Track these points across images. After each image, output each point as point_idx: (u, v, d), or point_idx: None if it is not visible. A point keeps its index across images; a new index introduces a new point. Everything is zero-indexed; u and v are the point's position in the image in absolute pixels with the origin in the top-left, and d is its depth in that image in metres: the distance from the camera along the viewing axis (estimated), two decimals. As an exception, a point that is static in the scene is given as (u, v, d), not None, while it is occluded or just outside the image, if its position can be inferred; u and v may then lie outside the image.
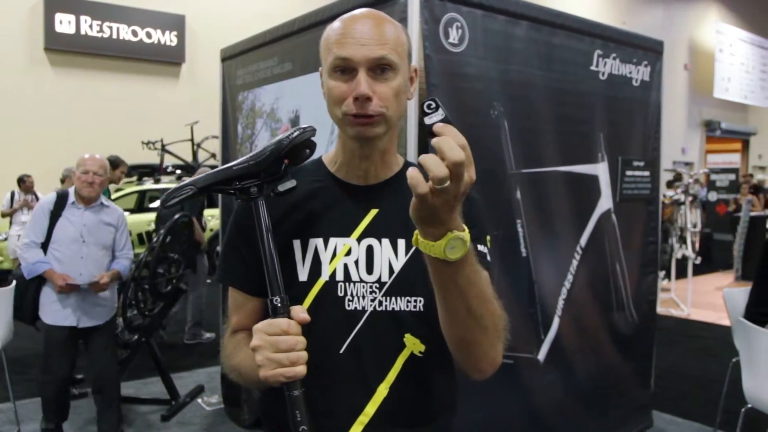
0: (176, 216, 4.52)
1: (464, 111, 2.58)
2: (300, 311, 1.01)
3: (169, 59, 12.50)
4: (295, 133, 1.05)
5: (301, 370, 0.97)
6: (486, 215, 1.22)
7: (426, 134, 0.86)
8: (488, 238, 1.18)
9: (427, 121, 0.85)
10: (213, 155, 10.19)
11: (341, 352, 1.11)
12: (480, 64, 2.62)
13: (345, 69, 1.06)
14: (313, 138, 1.09)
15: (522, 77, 2.80)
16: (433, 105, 0.85)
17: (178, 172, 10.35)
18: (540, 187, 2.91)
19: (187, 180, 1.09)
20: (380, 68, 1.05)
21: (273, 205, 1.10)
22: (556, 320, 2.98)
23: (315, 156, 1.15)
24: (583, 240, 3.13)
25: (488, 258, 1.13)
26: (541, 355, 2.91)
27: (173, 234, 4.46)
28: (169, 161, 10.64)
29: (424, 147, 2.38)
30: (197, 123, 10.42)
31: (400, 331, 1.11)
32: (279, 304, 1.00)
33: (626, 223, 3.39)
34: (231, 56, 3.93)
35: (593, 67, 3.14)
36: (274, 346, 0.96)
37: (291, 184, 1.08)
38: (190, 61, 12.64)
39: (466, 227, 0.90)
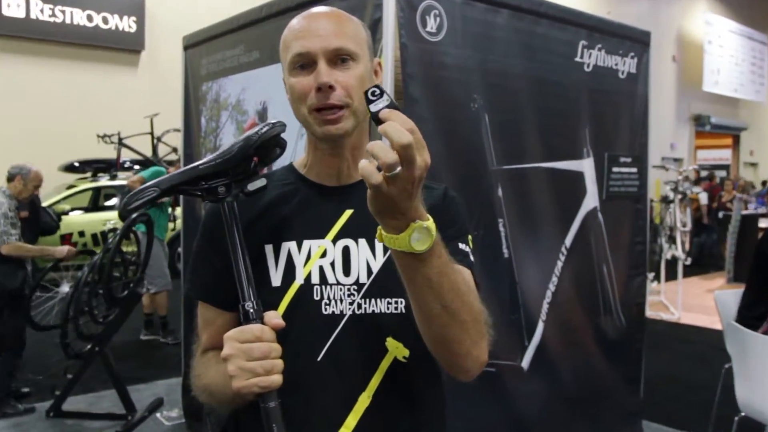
0: (134, 215, 4.46)
1: (443, 103, 2.58)
2: (274, 316, 1.02)
3: (128, 46, 12.31)
4: (264, 129, 1.06)
5: (277, 379, 0.97)
6: (466, 213, 1.24)
7: (373, 122, 0.87)
8: (469, 237, 1.19)
9: (373, 108, 0.86)
10: (174, 150, 10.07)
11: (319, 359, 1.10)
12: (459, 54, 2.62)
13: (305, 64, 1.10)
14: (283, 135, 1.10)
15: (503, 68, 2.81)
16: (377, 91, 0.87)
17: (137, 167, 10.21)
18: (523, 184, 2.92)
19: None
20: (340, 59, 1.09)
21: (242, 210, 1.10)
22: (540, 325, 2.99)
23: (285, 163, 1.18)
24: (568, 240, 3.15)
25: (471, 258, 1.15)
26: (525, 363, 2.92)
27: (132, 234, 4.39)
28: (126, 156, 10.49)
29: None
30: (157, 115, 10.28)
31: (382, 335, 1.12)
32: (251, 310, 1.01)
33: (613, 222, 3.42)
34: (194, 44, 3.88)
35: (578, 59, 3.16)
36: (247, 354, 0.96)
37: (261, 183, 1.09)
38: (150, 48, 12.46)
39: (430, 216, 0.92)
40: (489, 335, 1.06)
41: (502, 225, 2.81)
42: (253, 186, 1.08)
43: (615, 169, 3.44)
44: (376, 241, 1.12)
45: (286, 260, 1.14)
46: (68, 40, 11.70)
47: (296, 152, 2.62)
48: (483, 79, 2.72)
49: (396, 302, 1.12)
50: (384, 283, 1.12)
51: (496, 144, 2.77)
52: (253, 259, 1.09)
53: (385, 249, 1.13)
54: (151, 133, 10.51)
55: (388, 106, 0.86)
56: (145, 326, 6.30)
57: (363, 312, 1.12)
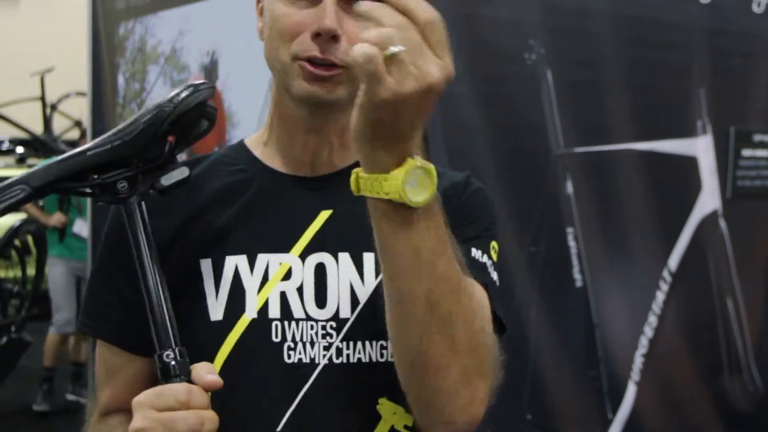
0: (16, 223, 4.52)
1: (483, 55, 2.62)
2: (206, 370, 1.03)
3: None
4: (183, 94, 1.07)
5: None
6: (494, 213, 1.25)
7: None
8: (494, 244, 1.21)
9: None
10: (77, 123, 10.12)
11: (279, 429, 1.13)
12: (508, -20, 2.67)
13: None
14: (211, 101, 1.12)
15: (575, 2, 2.85)
16: None
17: (20, 150, 10.28)
18: (604, 176, 2.96)
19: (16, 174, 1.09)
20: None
21: (164, 210, 1.13)
22: (631, 389, 3.01)
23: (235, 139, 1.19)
24: (674, 261, 3.17)
25: (492, 275, 1.16)
26: (609, 445, 2.95)
27: (13, 252, 4.45)
28: (4, 133, 10.56)
29: None
30: (50, 72, 10.35)
31: (372, 394, 1.15)
32: (172, 362, 1.01)
33: (743, 232, 3.42)
34: (107, -37, 3.93)
35: (690, -16, 3.19)
36: (168, 428, 0.96)
37: (181, 174, 1.10)
38: (38, -30, 12.57)
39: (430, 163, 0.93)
40: (495, 378, 1.07)
41: (572, 237, 2.84)
42: (168, 179, 1.09)
43: (747, 152, 3.44)
44: (364, 256, 1.16)
45: (231, 283, 1.16)
46: None
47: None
48: (544, 18, 2.75)
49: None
50: (376, 318, 1.11)
51: (564, 116, 2.80)
52: (181, 279, 1.12)
53: (378, 267, 1.10)
54: (42, 99, 10.57)
55: None
56: (72, 380, 6.38)
57: (344, 361, 1.14)
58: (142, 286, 1.06)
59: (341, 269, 1.17)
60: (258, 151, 1.24)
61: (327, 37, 1.07)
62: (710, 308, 3.34)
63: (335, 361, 1.14)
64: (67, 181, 1.06)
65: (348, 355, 1.14)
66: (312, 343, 1.14)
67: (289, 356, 1.14)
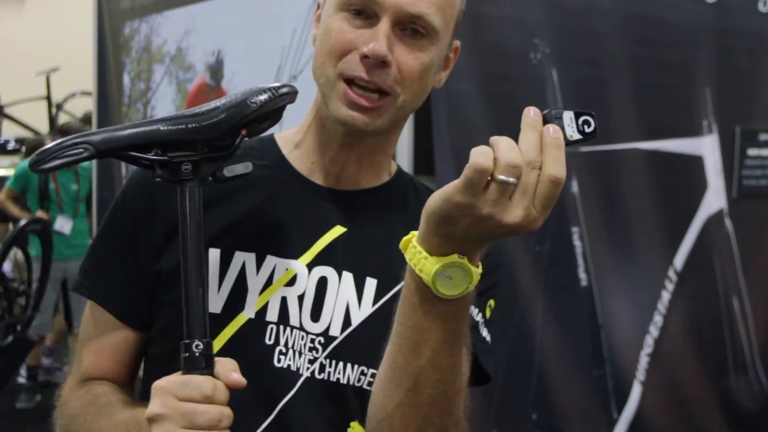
0: (23, 222, 4.52)
1: (490, 54, 2.62)
2: (231, 368, 1.02)
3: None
4: (268, 94, 1.06)
5: None
6: (500, 274, 1.27)
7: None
8: (491, 302, 1.23)
9: (576, 135, 0.95)
10: (83, 121, 10.14)
11: (261, 430, 1.15)
12: (513, -21, 2.66)
13: (362, 11, 1.11)
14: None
15: (580, 1, 2.85)
16: (592, 123, 0.96)
17: (25, 149, 10.28)
18: (609, 175, 2.96)
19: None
20: (412, 29, 1.11)
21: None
22: (636, 388, 3.01)
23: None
24: (680, 260, 3.17)
25: (482, 333, 1.19)
26: (614, 445, 2.95)
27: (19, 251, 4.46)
28: (9, 132, 10.57)
29: (422, 154, 2.43)
30: (56, 71, 10.36)
31: (345, 415, 1.16)
32: (198, 353, 1.01)
33: (749, 231, 3.41)
34: (112, -37, 3.93)
35: (696, -17, 3.18)
36: (188, 420, 0.96)
37: (244, 168, 1.10)
38: (44, -31, 12.58)
39: (480, 266, 0.95)
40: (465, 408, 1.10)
41: (578, 237, 2.84)
42: (231, 171, 1.09)
43: (753, 152, 3.44)
44: (367, 280, 1.17)
45: (236, 278, 1.17)
46: None
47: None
48: (549, 17, 2.76)
49: (372, 374, 1.15)
50: (362, 344, 1.16)
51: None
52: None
53: (377, 295, 1.17)
54: (48, 98, 10.60)
55: (591, 133, 0.95)
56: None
57: (324, 377, 1.16)
58: (182, 271, 1.05)
59: (342, 288, 1.18)
60: (287, 150, 1.25)
61: (376, 61, 1.08)
62: (716, 308, 3.34)
63: (317, 376, 1.16)
64: (131, 150, 1.04)
65: (329, 373, 1.16)
66: (299, 353, 1.16)
67: (279, 360, 1.16)
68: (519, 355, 2.76)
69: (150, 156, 1.04)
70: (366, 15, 1.10)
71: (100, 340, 1.22)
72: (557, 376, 2.78)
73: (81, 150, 1.01)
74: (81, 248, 6.16)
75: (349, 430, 1.16)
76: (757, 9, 3.40)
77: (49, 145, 1.02)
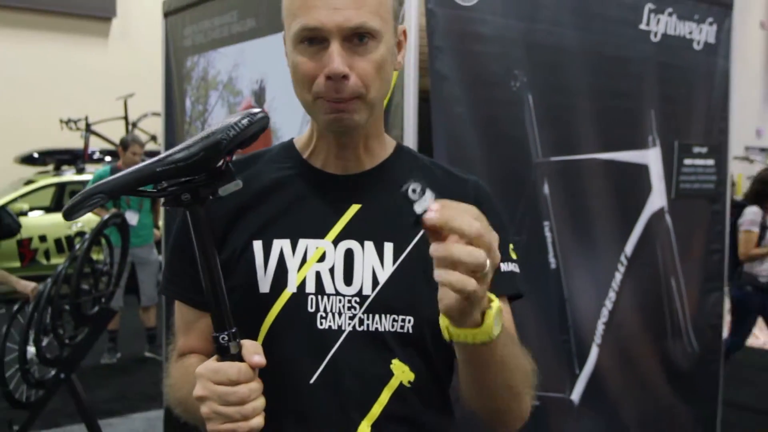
0: (106, 216, 4.52)
1: (477, 82, 2.60)
2: (253, 351, 1.03)
3: (96, 13, 12.46)
4: (243, 122, 1.02)
5: (257, 423, 1.01)
6: (502, 212, 1.28)
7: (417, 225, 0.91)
8: (511, 246, 1.24)
9: (419, 209, 0.90)
10: (153, 138, 10.17)
11: (312, 381, 1.14)
12: (498, 23, 2.64)
13: (313, 39, 1.09)
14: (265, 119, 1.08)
15: (551, 39, 2.83)
16: (418, 188, 0.90)
17: (108, 159, 10.31)
18: (574, 179, 2.94)
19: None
20: (358, 37, 1.08)
21: (229, 195, 1.11)
22: (594, 350, 3.01)
23: (286, 138, 1.21)
24: (629, 248, 3.16)
25: (515, 281, 1.24)
26: (576, 395, 2.94)
27: (103, 239, 4.46)
28: (95, 145, 10.60)
29: (425, 125, 2.41)
30: (132, 96, 10.40)
31: (387, 356, 1.16)
32: (227, 344, 1.03)
33: (684, 225, 3.42)
34: (177, 9, 3.93)
35: (643, 26, 3.16)
36: (222, 399, 1.00)
37: (236, 186, 1.08)
38: (122, 15, 12.61)
39: (492, 295, 0.97)
40: (534, 387, 1.15)
41: (548, 229, 2.83)
42: (225, 191, 1.07)
43: (687, 162, 3.44)
44: (385, 245, 1.17)
45: (277, 262, 1.17)
46: (26, 6, 11.81)
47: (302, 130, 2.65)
48: (527, 53, 2.74)
49: (402, 320, 1.16)
50: (391, 297, 1.16)
51: (542, 131, 2.79)
52: (238, 255, 1.15)
53: (395, 256, 1.17)
54: (125, 118, 10.64)
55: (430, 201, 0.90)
56: (148, 341, 6.47)
57: (365, 329, 1.16)
58: (203, 277, 1.06)
59: (366, 255, 1.17)
60: (304, 152, 1.25)
61: (337, 79, 1.07)
62: (657, 286, 3.36)
63: (358, 329, 1.15)
64: (139, 186, 1.04)
65: (368, 325, 1.16)
66: (339, 314, 1.15)
67: (321, 323, 1.15)
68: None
69: (152, 190, 1.06)
70: (318, 41, 1.09)
71: (186, 326, 1.26)
72: (532, 339, 2.77)
73: (98, 199, 1.02)
74: (144, 238, 6.20)
75: (391, 366, 1.16)
76: (692, 47, 3.41)
77: (76, 199, 1.02)
